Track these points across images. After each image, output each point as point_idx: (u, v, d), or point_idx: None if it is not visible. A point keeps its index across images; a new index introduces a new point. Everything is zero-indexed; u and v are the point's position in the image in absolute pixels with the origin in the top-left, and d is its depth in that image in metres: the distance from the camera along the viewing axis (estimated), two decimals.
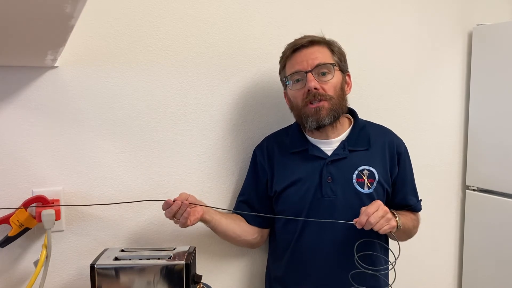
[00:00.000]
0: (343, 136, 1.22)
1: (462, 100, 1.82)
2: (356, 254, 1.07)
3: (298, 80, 1.18)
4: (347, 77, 1.23)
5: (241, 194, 1.33)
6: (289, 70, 1.19)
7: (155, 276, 1.04)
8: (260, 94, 1.40)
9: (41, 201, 1.10)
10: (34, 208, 1.10)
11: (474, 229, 1.78)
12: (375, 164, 1.19)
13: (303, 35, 1.22)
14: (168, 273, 1.04)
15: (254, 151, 1.33)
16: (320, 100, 1.14)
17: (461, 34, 1.79)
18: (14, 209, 1.09)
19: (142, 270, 1.04)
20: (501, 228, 1.67)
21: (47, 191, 1.14)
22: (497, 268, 1.69)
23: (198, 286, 1.13)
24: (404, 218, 1.17)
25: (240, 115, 1.38)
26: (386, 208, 1.05)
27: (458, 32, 1.78)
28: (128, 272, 1.04)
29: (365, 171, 1.18)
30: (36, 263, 1.09)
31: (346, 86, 1.22)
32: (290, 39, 1.43)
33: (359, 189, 1.17)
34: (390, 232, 1.07)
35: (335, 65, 1.17)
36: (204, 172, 1.34)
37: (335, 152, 1.19)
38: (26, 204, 1.10)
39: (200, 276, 1.11)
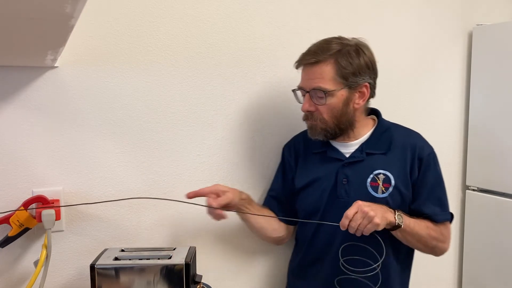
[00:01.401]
0: (363, 138, 1.22)
1: (462, 100, 1.82)
2: (342, 258, 1.12)
3: (304, 95, 1.20)
4: (362, 89, 1.17)
5: (271, 189, 1.38)
6: (300, 81, 1.21)
7: (155, 276, 1.04)
8: (260, 94, 1.40)
9: (41, 201, 1.11)
10: (34, 208, 1.10)
11: (474, 229, 1.78)
12: (393, 169, 1.17)
13: (319, 41, 1.19)
14: (168, 273, 1.04)
15: (283, 148, 1.38)
16: (315, 119, 1.18)
17: (461, 34, 1.78)
18: (14, 210, 1.09)
19: (142, 270, 1.04)
20: (501, 228, 1.67)
21: (47, 191, 1.14)
22: (497, 268, 1.69)
23: (198, 286, 1.13)
24: (415, 222, 1.12)
25: (240, 115, 1.38)
26: (368, 208, 1.02)
27: (458, 32, 1.78)
28: (128, 272, 1.04)
29: (381, 175, 1.17)
30: (36, 263, 1.09)
31: (357, 98, 1.17)
32: (290, 38, 1.44)
33: (373, 193, 1.16)
34: (389, 230, 1.07)
35: (332, 91, 1.13)
36: (204, 172, 1.34)
37: (353, 154, 1.21)
38: (26, 204, 1.10)
39: (200, 276, 1.11)
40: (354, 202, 1.05)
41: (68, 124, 1.17)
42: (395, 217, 1.07)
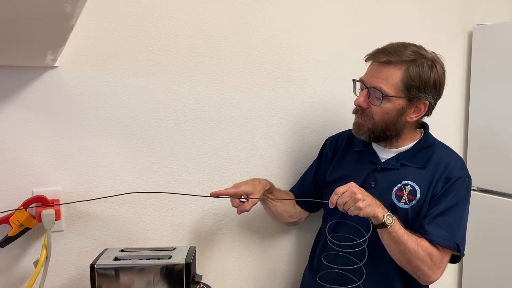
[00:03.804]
0: (403, 148, 1.21)
1: (462, 100, 1.82)
2: (329, 234, 1.13)
3: (362, 88, 1.19)
4: (420, 105, 1.16)
5: (303, 175, 1.42)
6: (363, 74, 1.19)
7: (155, 276, 1.04)
8: (260, 94, 1.40)
9: (41, 201, 1.10)
10: (34, 208, 1.10)
11: (474, 229, 1.78)
12: (422, 183, 1.15)
13: (397, 42, 1.18)
14: (168, 273, 1.04)
15: (326, 139, 1.41)
16: (364, 117, 1.17)
17: (461, 34, 1.78)
18: (14, 210, 1.09)
19: (142, 270, 1.04)
20: (501, 228, 1.67)
21: (47, 191, 1.14)
22: (497, 268, 1.69)
23: (198, 286, 1.13)
24: (405, 232, 1.06)
25: (240, 115, 1.38)
26: (357, 190, 1.01)
27: (458, 32, 1.78)
28: (128, 272, 1.04)
29: (408, 186, 1.16)
30: (36, 263, 1.09)
31: (412, 112, 1.16)
32: (290, 38, 1.44)
33: (395, 201, 1.15)
34: (375, 226, 1.06)
35: (390, 97, 1.12)
36: (204, 172, 1.34)
37: (387, 161, 1.20)
38: (26, 204, 1.10)
39: (200, 276, 1.12)
40: (349, 183, 1.05)
41: (68, 124, 1.17)
42: (384, 215, 1.03)
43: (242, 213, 1.27)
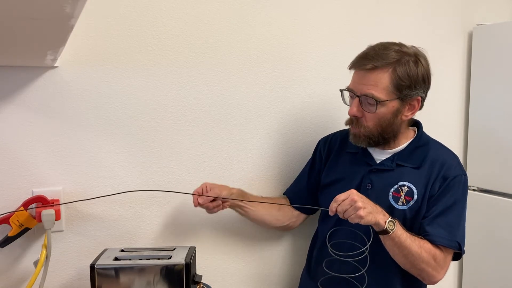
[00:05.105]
0: (398, 149, 1.20)
1: (462, 100, 1.82)
2: (329, 243, 1.12)
3: (352, 97, 1.17)
4: (413, 102, 1.15)
5: (297, 178, 1.40)
6: (350, 82, 1.18)
7: (155, 276, 1.04)
8: (260, 94, 1.40)
9: (41, 201, 1.11)
10: (34, 208, 1.10)
11: (474, 229, 1.78)
12: (418, 183, 1.15)
13: (376, 44, 1.17)
14: (168, 273, 1.04)
15: (319, 141, 1.39)
16: (359, 127, 1.15)
17: (461, 34, 1.79)
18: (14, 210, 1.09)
19: (142, 270, 1.04)
20: (501, 228, 1.67)
21: (47, 191, 1.14)
22: (497, 268, 1.69)
23: (198, 286, 1.13)
24: (408, 236, 1.06)
25: (240, 115, 1.38)
26: (357, 198, 1.00)
27: (458, 32, 1.78)
28: (128, 272, 1.04)
29: (405, 187, 1.15)
30: (36, 263, 1.09)
31: (406, 111, 1.15)
32: (290, 39, 1.43)
33: (393, 203, 1.15)
34: (377, 233, 1.05)
35: (384, 101, 1.11)
36: (204, 172, 1.34)
37: (383, 162, 1.20)
38: (26, 204, 1.10)
39: (200, 276, 1.12)
40: (349, 190, 1.03)
41: (68, 124, 1.17)
42: (385, 222, 1.02)
43: (242, 214, 1.27)
